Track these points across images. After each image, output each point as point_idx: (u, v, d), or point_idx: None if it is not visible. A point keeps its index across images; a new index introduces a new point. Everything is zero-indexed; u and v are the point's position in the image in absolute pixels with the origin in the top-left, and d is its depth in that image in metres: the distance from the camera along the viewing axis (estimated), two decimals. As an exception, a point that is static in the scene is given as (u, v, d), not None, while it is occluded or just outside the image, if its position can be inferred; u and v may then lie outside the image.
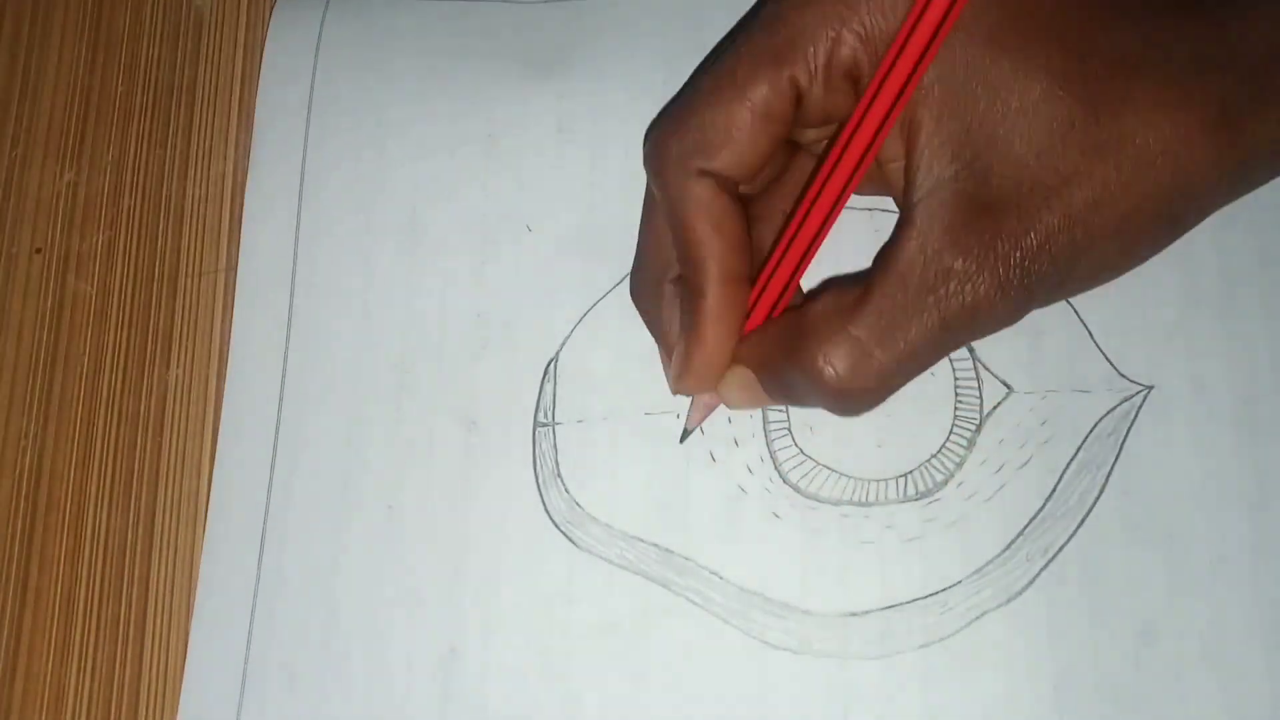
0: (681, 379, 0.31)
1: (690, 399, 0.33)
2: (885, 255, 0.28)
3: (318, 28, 0.39)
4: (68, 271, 0.38)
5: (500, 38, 0.38)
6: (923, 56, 0.27)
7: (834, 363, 0.28)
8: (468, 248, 0.36)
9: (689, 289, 0.30)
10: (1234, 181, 0.29)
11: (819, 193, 0.29)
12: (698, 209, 0.29)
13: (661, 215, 0.31)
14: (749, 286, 0.30)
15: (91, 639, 0.34)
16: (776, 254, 0.30)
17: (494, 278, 0.36)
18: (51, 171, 0.39)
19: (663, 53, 0.38)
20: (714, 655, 0.33)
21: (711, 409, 0.33)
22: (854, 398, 0.28)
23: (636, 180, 0.36)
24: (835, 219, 0.29)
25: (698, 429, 0.34)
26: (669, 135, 0.29)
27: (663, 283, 0.31)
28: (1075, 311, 0.35)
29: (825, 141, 0.31)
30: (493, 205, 0.37)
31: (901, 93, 0.27)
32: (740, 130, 0.28)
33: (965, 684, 0.32)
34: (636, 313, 0.34)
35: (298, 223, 0.37)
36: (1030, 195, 0.27)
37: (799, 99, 0.28)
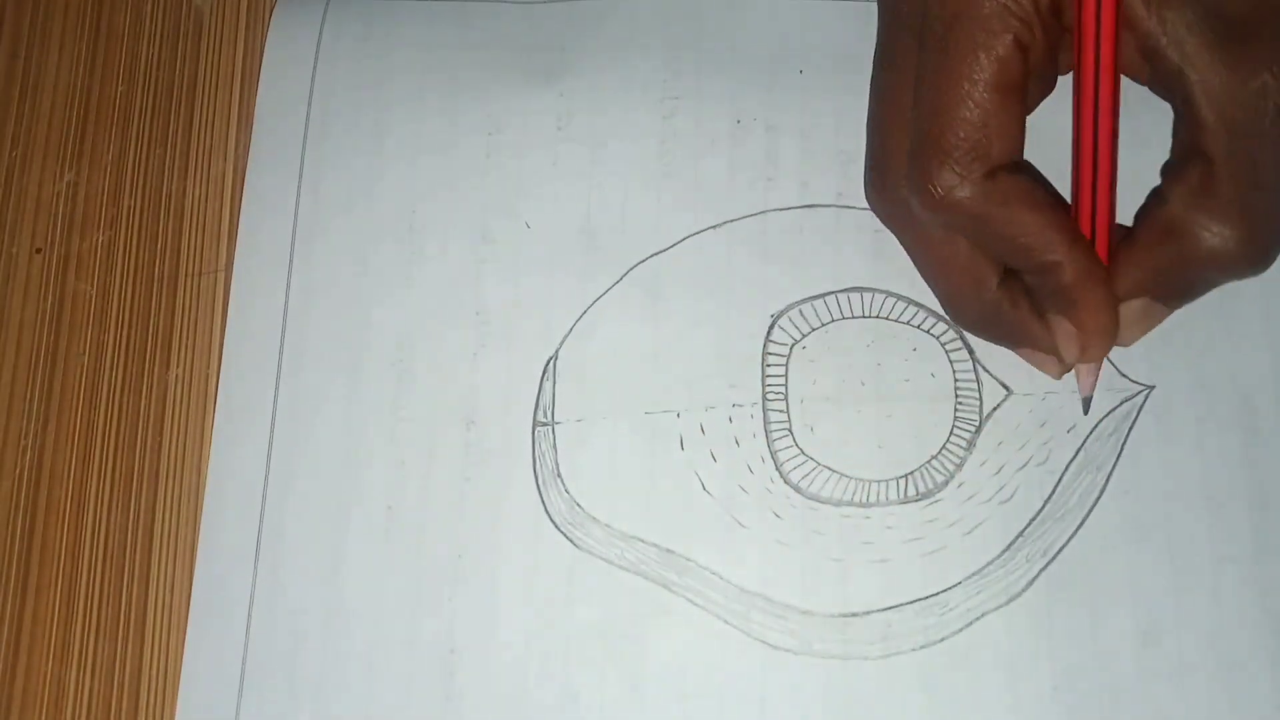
0: (1088, 348, 0.31)
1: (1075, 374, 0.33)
2: (1193, 121, 0.28)
3: (318, 27, 0.39)
4: (68, 271, 0.38)
5: (500, 37, 0.38)
6: None
7: (1230, 235, 0.28)
8: (467, 246, 0.36)
9: (1044, 272, 0.30)
10: None
11: (1095, 108, 0.29)
12: (1012, 204, 0.29)
13: (947, 239, 0.31)
14: (1084, 234, 0.30)
15: (91, 638, 0.34)
16: (1085, 186, 0.30)
17: (493, 276, 0.36)
18: (51, 171, 0.39)
19: (663, 53, 0.38)
20: (714, 656, 0.33)
21: (1101, 364, 0.33)
22: (1265, 251, 0.29)
23: (635, 178, 0.37)
24: (1118, 126, 0.30)
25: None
26: (935, 169, 0.29)
27: (987, 297, 0.31)
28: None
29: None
30: (492, 203, 0.37)
31: None
32: (999, 115, 0.29)
33: (965, 685, 0.32)
34: (635, 310, 0.34)
35: (295, 221, 0.37)
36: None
37: (1026, 54, 0.29)
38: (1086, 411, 0.34)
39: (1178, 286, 0.30)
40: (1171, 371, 0.34)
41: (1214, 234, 0.28)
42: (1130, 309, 0.31)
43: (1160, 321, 0.32)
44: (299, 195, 0.37)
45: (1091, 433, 0.34)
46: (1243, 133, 0.28)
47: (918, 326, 0.35)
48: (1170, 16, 0.28)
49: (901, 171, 0.30)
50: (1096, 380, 0.33)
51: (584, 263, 0.36)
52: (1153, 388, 0.34)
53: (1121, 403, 0.34)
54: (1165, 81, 0.29)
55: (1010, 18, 0.29)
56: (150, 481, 0.36)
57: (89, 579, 0.35)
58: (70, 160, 0.39)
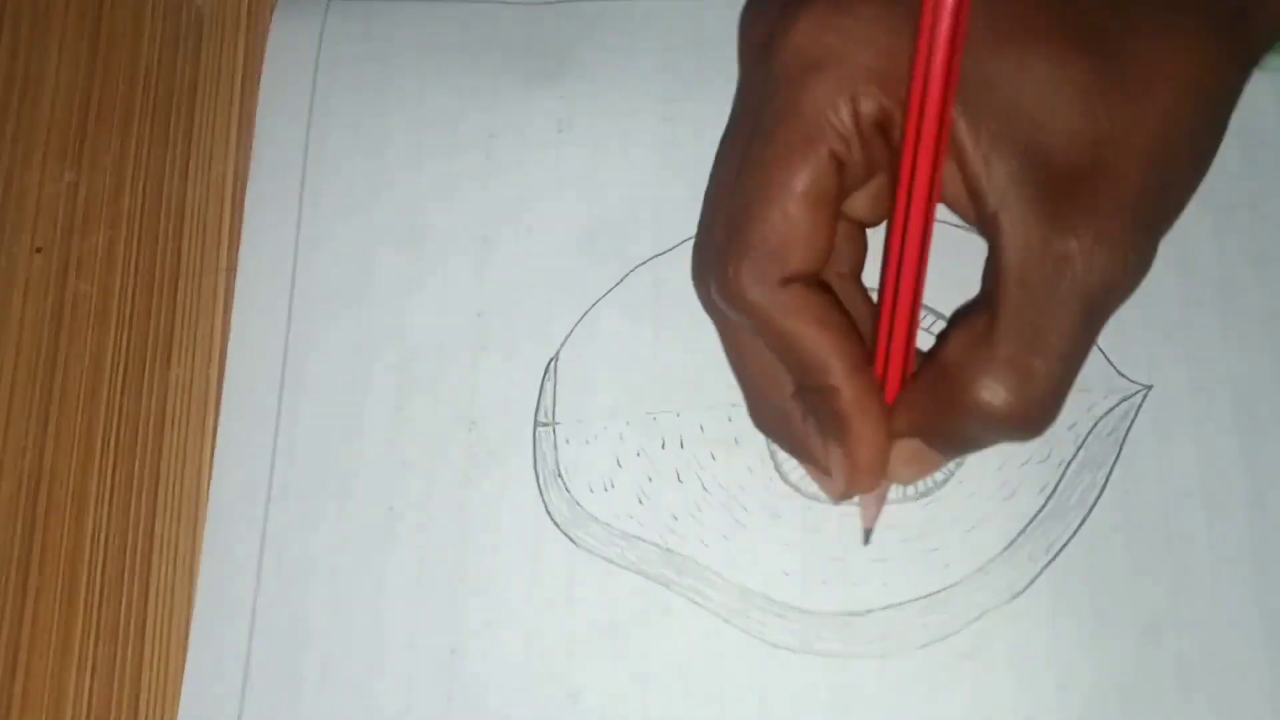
0: (854, 481, 0.29)
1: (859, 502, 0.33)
2: (995, 269, 0.27)
3: (319, 29, 0.39)
4: (68, 271, 0.38)
5: (501, 38, 0.38)
6: (950, 68, 0.26)
7: (998, 391, 0.27)
8: (468, 247, 0.36)
9: (821, 394, 0.29)
10: (1248, 65, 0.29)
11: (903, 246, 0.28)
12: (798, 317, 0.28)
13: (749, 340, 0.30)
14: (872, 367, 0.29)
15: (91, 639, 0.34)
16: (884, 322, 0.29)
17: (494, 277, 0.36)
18: (52, 171, 0.39)
19: (663, 54, 0.38)
20: (715, 655, 0.33)
21: (884, 496, 0.32)
22: (1032, 416, 0.27)
23: (636, 180, 0.37)
24: (926, 265, 0.28)
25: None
26: (733, 263, 0.28)
27: (784, 403, 0.30)
28: (1075, 311, 0.35)
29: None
30: (493, 205, 0.37)
31: (944, 109, 0.26)
32: (803, 225, 0.27)
33: (967, 683, 0.32)
34: (636, 312, 0.34)
35: (298, 223, 0.37)
36: (1099, 149, 0.26)
37: (841, 169, 0.28)
38: (866, 542, 0.33)
39: (947, 436, 0.29)
40: (1169, 371, 0.34)
41: (984, 389, 0.27)
42: (904, 449, 0.29)
43: (938, 468, 0.31)
44: (302, 198, 0.37)
45: (1092, 431, 0.34)
46: (1034, 294, 0.26)
47: (918, 326, 0.35)
48: (995, 160, 0.27)
49: (713, 263, 0.29)
50: (878, 513, 0.32)
51: (585, 264, 0.36)
52: (1150, 387, 0.34)
53: (1120, 402, 0.34)
54: (983, 225, 0.28)
55: (830, 130, 0.27)
56: (151, 482, 0.35)
57: (89, 580, 0.35)
58: (71, 160, 0.39)
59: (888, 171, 0.29)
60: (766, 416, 0.31)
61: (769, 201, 0.27)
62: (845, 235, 0.30)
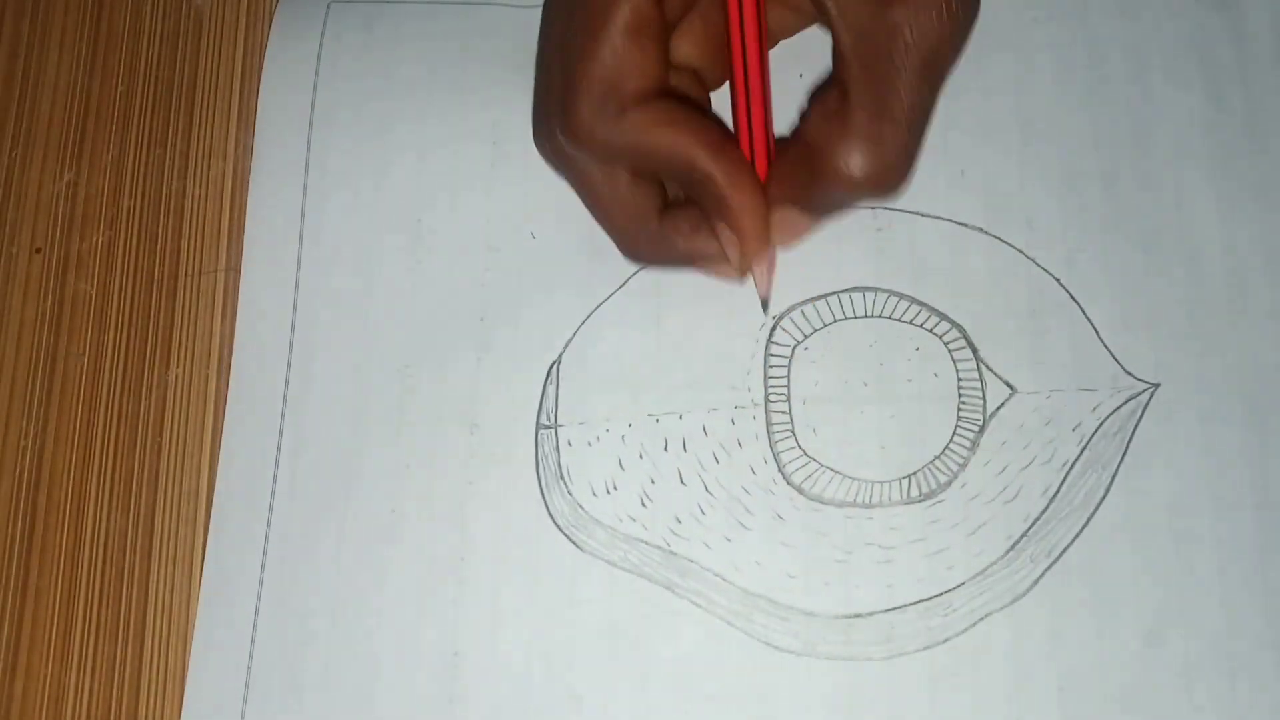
0: (746, 249, 0.32)
1: (753, 279, 0.35)
2: (837, 50, 0.29)
3: (319, 30, 0.39)
4: (68, 271, 0.38)
5: (504, 41, 0.38)
6: None
7: (855, 159, 0.29)
8: (471, 250, 0.36)
9: (697, 183, 0.31)
10: None
11: (742, 29, 0.31)
12: (654, 129, 0.30)
13: (606, 176, 0.32)
14: (737, 146, 0.32)
15: (91, 639, 0.34)
16: (741, 105, 0.32)
17: (497, 280, 0.36)
18: (51, 171, 0.39)
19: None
20: (717, 658, 0.32)
21: (774, 262, 0.34)
22: (887, 177, 0.30)
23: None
24: (766, 41, 0.31)
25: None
26: (575, 105, 0.30)
27: (652, 227, 0.33)
28: (1081, 309, 0.35)
29: None
30: (496, 207, 0.37)
31: None
32: (632, 55, 0.30)
33: (969, 686, 0.32)
34: (638, 315, 0.34)
35: (301, 226, 0.37)
36: None
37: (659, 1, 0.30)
38: (765, 311, 0.35)
39: (817, 201, 0.31)
40: (1176, 369, 0.34)
41: (841, 160, 0.29)
42: (780, 216, 0.32)
43: (812, 228, 0.33)
44: (304, 202, 0.37)
45: (1096, 431, 0.34)
46: (874, 64, 0.29)
47: (920, 326, 0.35)
48: None
49: (556, 113, 0.32)
50: (771, 280, 0.34)
51: (587, 268, 0.36)
52: (1158, 385, 0.34)
53: (1127, 400, 0.34)
54: (819, 12, 0.30)
55: None
56: (150, 482, 0.35)
57: (89, 580, 0.35)
58: (70, 160, 0.39)
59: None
60: (641, 246, 0.34)
61: (597, 40, 0.30)
62: (690, 89, 0.34)
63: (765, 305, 0.35)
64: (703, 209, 0.32)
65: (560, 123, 0.31)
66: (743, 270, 0.33)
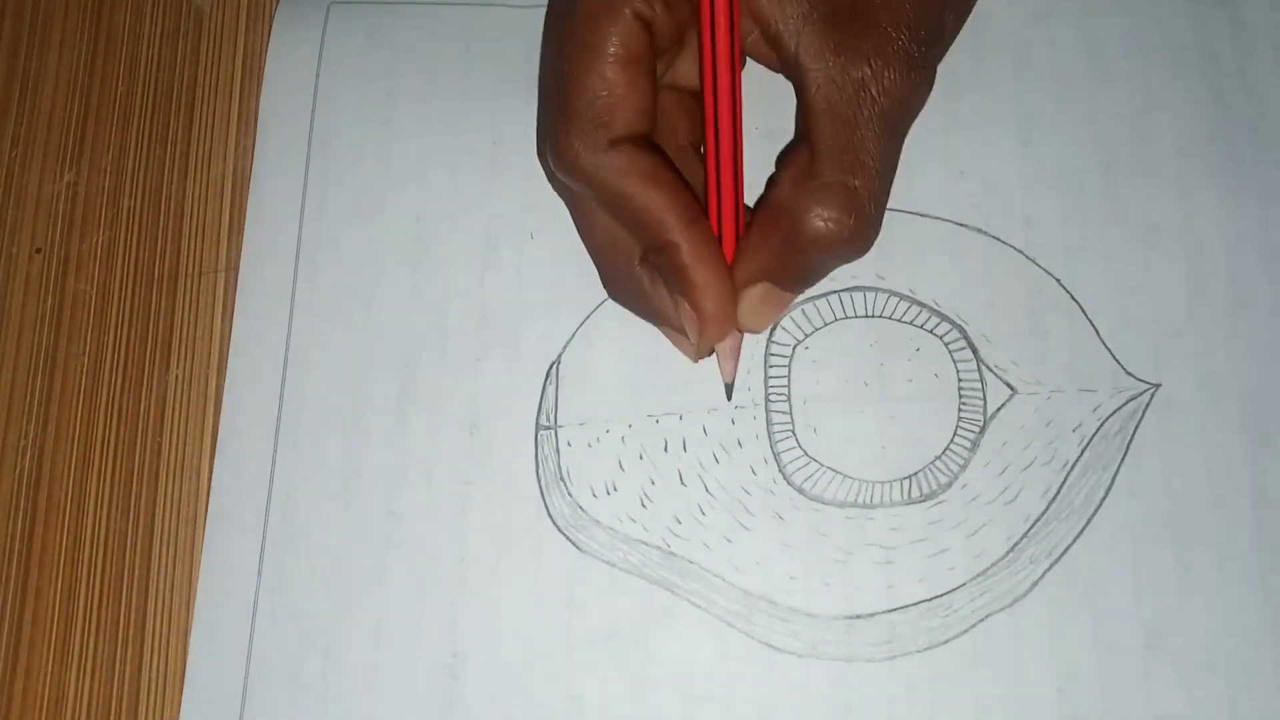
0: (705, 332, 0.31)
1: (717, 361, 0.34)
2: (804, 107, 0.30)
3: (320, 31, 0.39)
4: (68, 272, 0.38)
5: (505, 41, 0.38)
6: None
7: (829, 216, 0.29)
8: (471, 252, 0.36)
9: (662, 252, 0.30)
10: None
11: (715, 99, 0.30)
12: (629, 177, 0.30)
13: (594, 211, 0.32)
14: (709, 220, 0.31)
15: (91, 639, 0.34)
16: (711, 175, 0.31)
17: (496, 282, 0.36)
18: (51, 171, 0.39)
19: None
20: (718, 658, 0.32)
21: (738, 348, 0.33)
22: (860, 233, 0.29)
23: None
24: (741, 112, 0.31)
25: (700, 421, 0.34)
26: (563, 134, 0.30)
27: (633, 270, 0.32)
28: (1082, 310, 0.35)
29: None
30: (496, 209, 0.37)
31: None
32: (620, 86, 0.30)
33: (970, 687, 0.32)
34: (638, 315, 0.34)
35: (300, 226, 0.37)
36: None
37: (650, 29, 0.30)
38: (729, 398, 0.34)
39: (791, 270, 0.31)
40: (1177, 370, 0.34)
41: (815, 216, 0.29)
42: (751, 295, 0.31)
43: (786, 307, 0.33)
44: (304, 202, 0.37)
45: (1097, 432, 0.34)
46: (843, 120, 0.29)
47: (921, 326, 0.35)
48: (787, 5, 0.30)
49: (547, 137, 0.31)
50: (735, 365, 0.34)
51: (587, 269, 0.36)
52: (1158, 386, 0.34)
53: (1127, 401, 0.34)
54: (786, 69, 0.30)
55: None
56: (150, 482, 0.35)
57: (89, 580, 0.35)
58: (70, 160, 0.39)
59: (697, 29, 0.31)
60: (619, 286, 0.33)
61: (585, 68, 0.30)
62: (679, 107, 0.33)
63: (729, 392, 0.34)
64: (664, 280, 0.31)
65: (550, 147, 0.31)
66: (700, 352, 0.33)
